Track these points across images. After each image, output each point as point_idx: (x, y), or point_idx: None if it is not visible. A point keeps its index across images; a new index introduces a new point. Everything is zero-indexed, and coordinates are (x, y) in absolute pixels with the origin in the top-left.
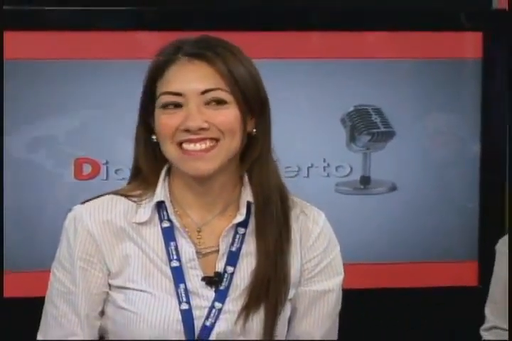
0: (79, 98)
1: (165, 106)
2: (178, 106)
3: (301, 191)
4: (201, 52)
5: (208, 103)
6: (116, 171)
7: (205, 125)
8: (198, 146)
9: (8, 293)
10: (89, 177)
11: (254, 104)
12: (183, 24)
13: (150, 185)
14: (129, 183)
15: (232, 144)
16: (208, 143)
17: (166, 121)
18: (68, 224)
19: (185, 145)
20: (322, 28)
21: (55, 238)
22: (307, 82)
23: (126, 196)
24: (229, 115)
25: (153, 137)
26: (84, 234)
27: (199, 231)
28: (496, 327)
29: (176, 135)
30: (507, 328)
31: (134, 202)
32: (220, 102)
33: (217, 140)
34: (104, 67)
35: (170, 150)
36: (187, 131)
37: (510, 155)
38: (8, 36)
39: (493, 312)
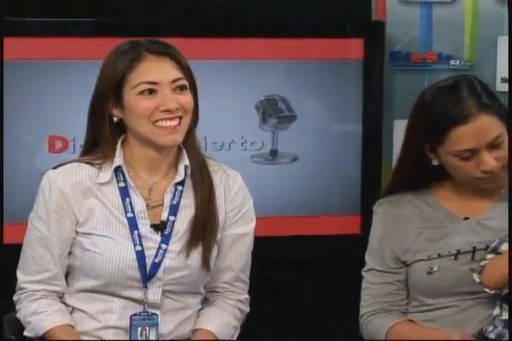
0: (52, 89)
1: (141, 92)
2: (151, 92)
3: (225, 161)
4: (165, 51)
5: (174, 89)
6: (80, 146)
7: (178, 106)
8: (172, 123)
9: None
10: (60, 151)
11: (195, 89)
12: (134, 32)
13: (107, 154)
14: (85, 154)
15: (189, 120)
16: (177, 121)
17: (145, 104)
18: (44, 184)
19: (161, 123)
20: (241, 35)
21: (32, 194)
22: (229, 77)
23: (90, 163)
24: (189, 98)
25: (115, 117)
26: (57, 192)
27: (150, 190)
28: (373, 269)
29: (153, 115)
30: (382, 270)
31: (96, 167)
32: (182, 88)
33: (180, 118)
34: (72, 65)
35: (146, 127)
36: (167, 111)
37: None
38: (7, 41)
39: (371, 258)
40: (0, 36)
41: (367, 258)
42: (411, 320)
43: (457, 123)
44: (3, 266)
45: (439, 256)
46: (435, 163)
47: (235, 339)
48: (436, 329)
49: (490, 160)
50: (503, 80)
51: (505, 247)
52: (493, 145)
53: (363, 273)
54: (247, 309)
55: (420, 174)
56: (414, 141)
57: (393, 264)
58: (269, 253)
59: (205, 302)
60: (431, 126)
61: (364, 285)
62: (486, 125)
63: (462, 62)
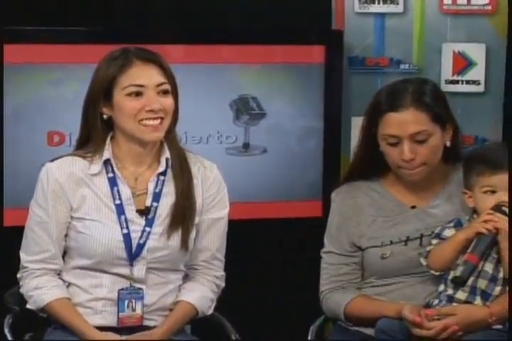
0: (50, 90)
1: (129, 94)
2: (138, 94)
3: (203, 153)
4: (152, 58)
5: (158, 92)
6: (76, 140)
7: (161, 107)
8: (155, 122)
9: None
10: (57, 144)
11: (177, 93)
12: (123, 39)
13: (97, 148)
14: (79, 148)
15: (169, 120)
16: (159, 120)
17: (132, 104)
18: (42, 175)
19: (145, 121)
20: (217, 43)
21: (32, 182)
22: (206, 79)
23: (83, 156)
24: (170, 101)
25: (105, 115)
26: (54, 181)
27: (136, 179)
28: (331, 252)
29: (138, 114)
30: (339, 252)
31: (88, 160)
32: (165, 92)
33: (162, 118)
34: (68, 68)
35: (132, 124)
36: (151, 111)
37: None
38: (13, 48)
39: (329, 242)
40: (2, 42)
41: (326, 241)
42: (365, 295)
43: (389, 110)
44: (4, 247)
45: (391, 242)
46: (381, 149)
47: (211, 310)
48: (389, 302)
49: (407, 151)
50: (446, 82)
51: (447, 233)
52: (415, 139)
53: (322, 254)
54: (223, 284)
55: (372, 163)
56: (365, 129)
57: (349, 248)
58: (242, 234)
59: (186, 277)
60: (373, 110)
61: (323, 265)
62: (413, 118)
63: (411, 66)
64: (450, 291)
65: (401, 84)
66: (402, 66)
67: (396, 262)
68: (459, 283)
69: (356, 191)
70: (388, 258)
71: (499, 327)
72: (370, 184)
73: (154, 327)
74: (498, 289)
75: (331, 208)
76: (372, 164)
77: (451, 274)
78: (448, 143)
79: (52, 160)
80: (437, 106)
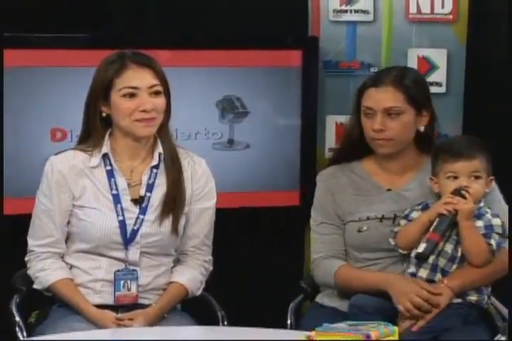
0: (54, 91)
1: (124, 95)
2: (132, 95)
3: (191, 148)
4: (145, 62)
5: (150, 93)
6: (76, 136)
7: (153, 107)
8: (148, 120)
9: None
10: (60, 140)
11: (169, 93)
12: (119, 45)
13: (97, 143)
14: (80, 143)
15: (161, 118)
16: (152, 118)
17: (127, 105)
18: (47, 168)
19: (139, 119)
20: (204, 48)
21: (38, 173)
22: (195, 81)
23: (83, 150)
24: (162, 101)
25: (104, 113)
26: (58, 173)
27: (131, 172)
28: (323, 222)
29: (133, 113)
30: (331, 222)
31: (88, 154)
32: (158, 93)
33: (152, 117)
34: (70, 71)
35: (127, 122)
36: (144, 111)
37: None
38: (7, 53)
39: (318, 214)
40: (2, 48)
41: (315, 214)
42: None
43: (370, 86)
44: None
45: (368, 218)
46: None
47: (200, 291)
48: (374, 272)
49: (378, 122)
50: None
51: (414, 215)
52: (388, 113)
53: (313, 227)
54: (211, 268)
55: (356, 147)
56: (356, 106)
57: (337, 219)
58: (228, 221)
59: (177, 262)
60: (360, 88)
61: (314, 235)
62: (389, 95)
63: (379, 69)
64: (413, 269)
65: (390, 68)
66: (371, 69)
67: (371, 236)
68: (421, 258)
69: (338, 172)
70: (364, 232)
71: (458, 300)
72: (351, 166)
73: (149, 305)
74: (454, 267)
75: (317, 187)
76: (356, 147)
77: (414, 251)
78: (422, 128)
79: (56, 154)
80: (415, 89)
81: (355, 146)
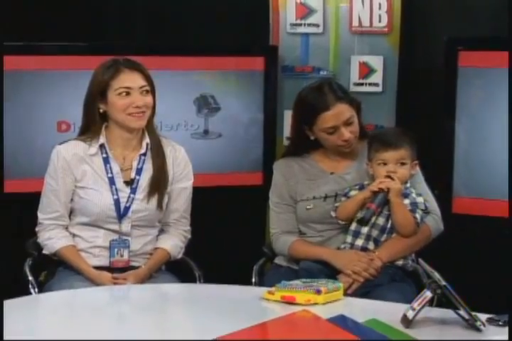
0: (59, 91)
1: (120, 94)
2: (126, 94)
3: (173, 137)
4: (136, 66)
5: (141, 92)
6: (78, 128)
7: (144, 104)
8: (139, 114)
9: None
10: (64, 131)
11: (154, 92)
12: (113, 52)
13: (95, 135)
14: (81, 134)
15: (149, 113)
16: (142, 113)
17: (122, 102)
18: (53, 155)
19: (132, 114)
20: (183, 54)
21: (45, 159)
22: (176, 82)
23: (84, 141)
24: (150, 99)
25: (101, 110)
26: (62, 159)
27: (123, 159)
28: (279, 203)
29: (127, 109)
30: (286, 203)
31: (88, 143)
32: (147, 92)
33: (144, 111)
34: (71, 74)
35: (122, 116)
36: (136, 107)
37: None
38: (24, 58)
39: (276, 195)
40: None
41: (273, 196)
42: (303, 239)
43: (323, 111)
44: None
45: (314, 198)
46: (312, 138)
47: (181, 255)
48: (320, 246)
49: (346, 133)
50: (354, 84)
51: (352, 193)
52: (347, 123)
53: (272, 206)
54: (189, 236)
55: (303, 145)
56: (296, 124)
57: (290, 200)
58: (204, 197)
59: (162, 231)
60: (306, 113)
61: (273, 213)
62: (342, 110)
63: (328, 73)
64: (350, 239)
65: (316, 89)
66: (321, 72)
67: (317, 212)
68: (362, 222)
69: (291, 162)
70: (311, 209)
71: (387, 264)
72: (301, 158)
73: (139, 267)
74: (385, 236)
75: (274, 174)
76: (304, 144)
77: (356, 218)
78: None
79: (60, 144)
80: (346, 94)
81: (302, 145)
